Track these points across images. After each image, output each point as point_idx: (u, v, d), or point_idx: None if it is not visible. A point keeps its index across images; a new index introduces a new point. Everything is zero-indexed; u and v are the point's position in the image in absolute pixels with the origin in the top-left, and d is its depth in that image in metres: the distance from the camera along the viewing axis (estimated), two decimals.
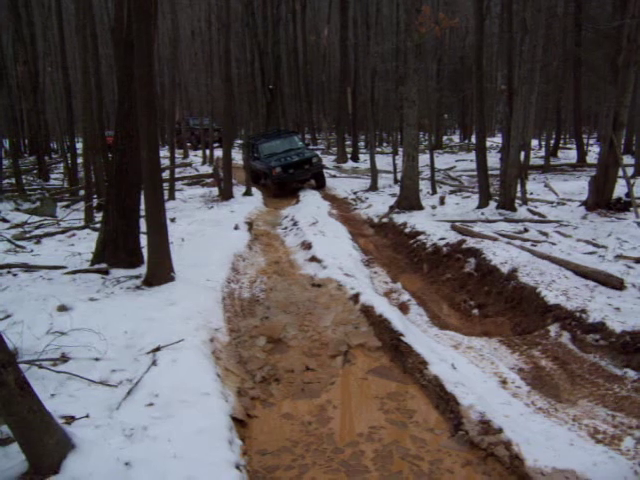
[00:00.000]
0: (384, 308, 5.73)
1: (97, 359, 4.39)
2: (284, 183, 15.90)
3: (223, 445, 3.35)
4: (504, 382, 4.37)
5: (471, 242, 7.91)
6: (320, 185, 16.60)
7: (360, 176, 19.16)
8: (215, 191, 15.52)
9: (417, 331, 5.48)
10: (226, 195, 14.62)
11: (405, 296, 7.03)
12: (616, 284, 5.66)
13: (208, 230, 10.03)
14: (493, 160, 16.74)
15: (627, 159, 15.21)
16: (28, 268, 7.04)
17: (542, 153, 21.29)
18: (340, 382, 4.66)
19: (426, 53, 15.19)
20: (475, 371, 4.52)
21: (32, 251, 8.33)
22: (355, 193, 15.67)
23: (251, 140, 17.20)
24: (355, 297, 6.26)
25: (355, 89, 23.81)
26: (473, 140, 24.75)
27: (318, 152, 21.07)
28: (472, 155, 17.56)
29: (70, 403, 3.71)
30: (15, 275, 6.79)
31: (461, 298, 6.99)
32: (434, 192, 13.80)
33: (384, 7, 30.15)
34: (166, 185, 12.73)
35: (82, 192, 12.52)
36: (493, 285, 6.67)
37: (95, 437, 3.27)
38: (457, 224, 9.04)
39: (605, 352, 4.71)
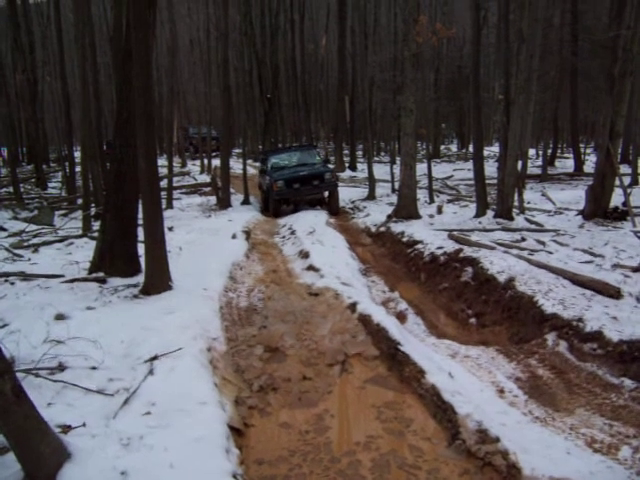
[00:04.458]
0: (381, 317, 5.72)
1: (94, 368, 4.37)
2: (287, 201, 13.68)
3: (220, 454, 3.33)
4: (501, 391, 4.36)
5: (468, 251, 7.92)
6: (331, 208, 13.84)
7: (358, 185, 19.22)
8: (213, 200, 15.56)
9: (414, 340, 5.48)
10: (224, 204, 14.66)
11: (402, 305, 7.04)
12: (613, 293, 5.66)
13: (206, 239, 10.03)
14: (490, 169, 16.80)
15: (624, 168, 15.28)
16: (25, 277, 7.03)
17: (539, 162, 21.38)
18: (337, 391, 4.64)
19: (424, 63, 15.29)
20: (472, 380, 4.51)
21: (30, 260, 8.33)
22: (353, 202, 15.71)
23: (262, 155, 15.94)
24: (352, 306, 6.25)
25: (353, 98, 23.91)
26: (470, 149, 24.84)
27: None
28: (469, 164, 17.67)
29: (67, 412, 3.70)
30: (12, 284, 6.78)
31: (458, 307, 7.00)
32: (432, 201, 13.85)
33: (382, 17, 30.42)
34: (164, 194, 12.77)
35: (80, 201, 12.55)
36: (490, 294, 6.67)
37: (91, 446, 3.26)
38: (454, 233, 9.06)
39: (602, 361, 4.70)
